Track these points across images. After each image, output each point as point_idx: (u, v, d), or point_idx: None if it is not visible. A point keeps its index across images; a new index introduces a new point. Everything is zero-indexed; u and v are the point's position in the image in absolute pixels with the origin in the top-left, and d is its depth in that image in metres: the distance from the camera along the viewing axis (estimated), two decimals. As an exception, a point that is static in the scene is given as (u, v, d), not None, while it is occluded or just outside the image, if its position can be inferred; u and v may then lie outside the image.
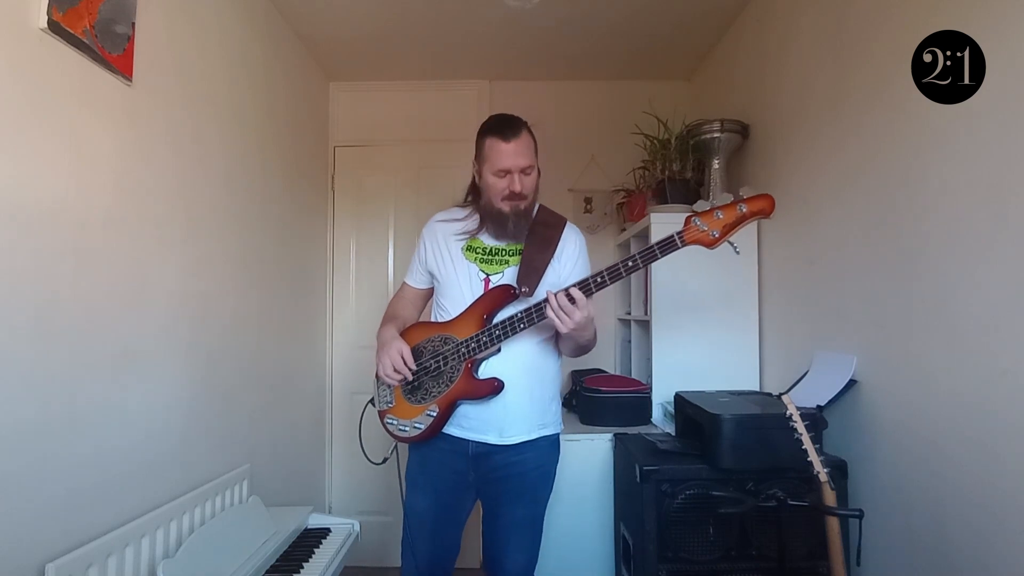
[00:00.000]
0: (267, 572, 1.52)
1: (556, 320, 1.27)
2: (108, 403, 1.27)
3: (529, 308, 1.33)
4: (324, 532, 1.79)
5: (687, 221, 1.26)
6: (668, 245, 1.25)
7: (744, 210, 1.23)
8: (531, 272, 1.41)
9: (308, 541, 1.72)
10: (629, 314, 2.54)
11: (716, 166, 2.15)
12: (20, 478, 1.04)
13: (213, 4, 1.75)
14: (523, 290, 1.38)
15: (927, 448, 1.30)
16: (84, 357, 1.20)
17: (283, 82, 2.28)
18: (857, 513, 1.23)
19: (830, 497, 1.21)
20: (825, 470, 1.21)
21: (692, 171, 2.24)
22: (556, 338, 1.47)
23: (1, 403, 1.01)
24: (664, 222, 2.07)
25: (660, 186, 2.23)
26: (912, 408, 1.35)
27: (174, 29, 1.54)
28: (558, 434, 1.52)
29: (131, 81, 1.34)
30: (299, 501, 2.26)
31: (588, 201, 2.85)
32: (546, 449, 1.48)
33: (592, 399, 2.11)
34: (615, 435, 1.92)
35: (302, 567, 1.56)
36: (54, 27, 1.11)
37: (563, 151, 2.80)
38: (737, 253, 1.29)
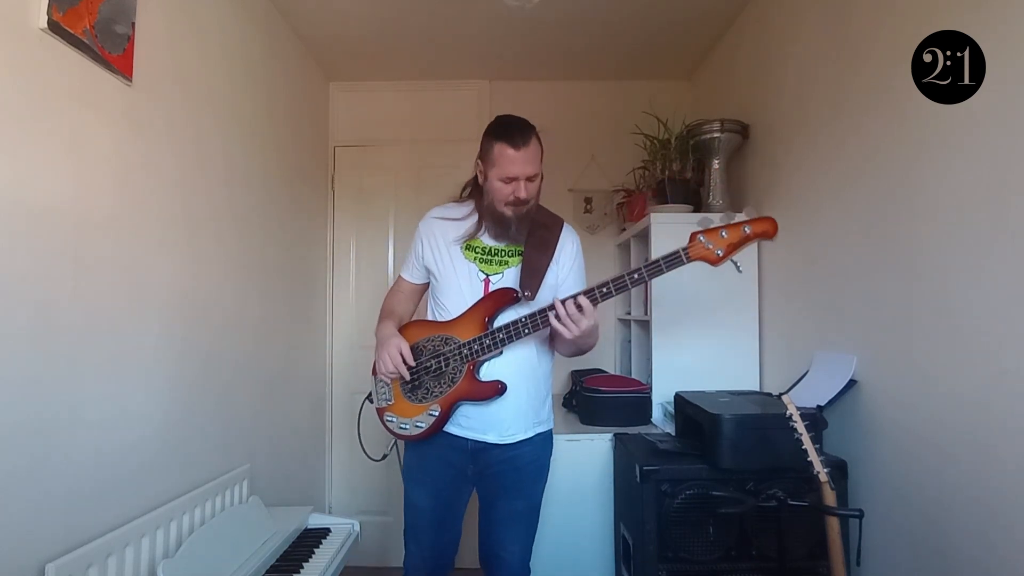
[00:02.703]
0: (267, 572, 1.52)
1: (561, 328, 1.28)
2: (108, 403, 1.27)
3: (534, 314, 1.34)
4: (324, 532, 1.79)
5: (692, 238, 1.29)
6: (674, 260, 1.28)
7: (748, 231, 1.27)
8: (532, 275, 1.42)
9: (308, 541, 1.72)
10: (629, 314, 2.54)
11: (716, 166, 2.15)
12: (20, 478, 1.04)
13: (213, 4, 1.75)
14: (525, 294, 1.40)
15: (927, 448, 1.30)
16: (84, 357, 1.20)
17: (283, 82, 2.28)
18: (857, 513, 1.23)
19: (830, 497, 1.21)
20: (825, 470, 1.21)
21: (692, 171, 2.24)
22: (552, 339, 1.48)
23: (1, 403, 1.01)
24: (664, 222, 2.08)
25: (660, 186, 2.23)
26: (912, 408, 1.35)
27: (174, 29, 1.54)
28: (551, 429, 1.56)
29: (131, 81, 1.34)
30: (299, 501, 2.26)
31: (588, 201, 2.85)
32: (540, 444, 1.52)
33: (592, 399, 2.10)
34: (615, 435, 1.92)
35: (302, 567, 1.56)
36: (54, 27, 1.11)
37: (563, 151, 2.79)
38: (740, 272, 1.32)
